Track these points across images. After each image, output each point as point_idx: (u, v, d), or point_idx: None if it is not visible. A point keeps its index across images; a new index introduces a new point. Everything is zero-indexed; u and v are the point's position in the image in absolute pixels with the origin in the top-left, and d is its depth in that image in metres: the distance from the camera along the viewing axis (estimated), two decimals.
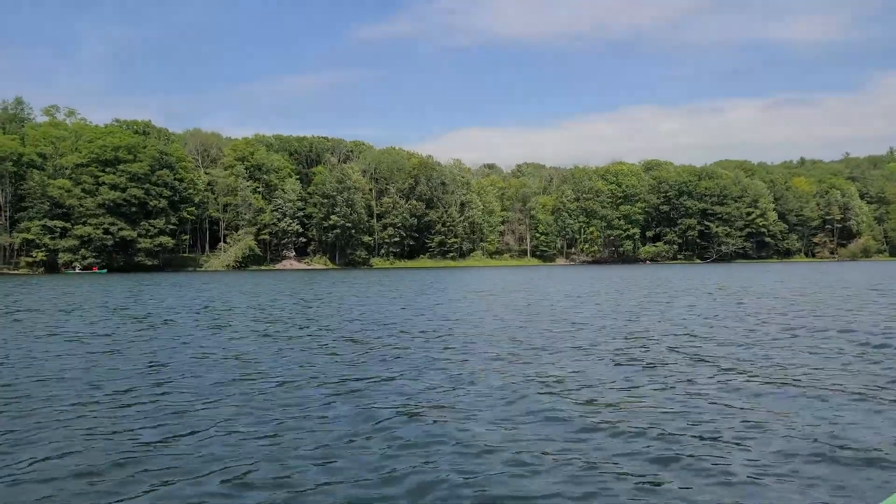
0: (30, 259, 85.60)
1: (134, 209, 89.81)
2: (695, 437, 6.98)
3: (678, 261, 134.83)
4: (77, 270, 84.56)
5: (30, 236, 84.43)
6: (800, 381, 9.71)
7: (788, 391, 9.04)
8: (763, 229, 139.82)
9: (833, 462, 6.13)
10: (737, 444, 6.72)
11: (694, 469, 6.00)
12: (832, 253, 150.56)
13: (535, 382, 9.81)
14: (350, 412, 8.13)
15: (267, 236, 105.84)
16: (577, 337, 15.02)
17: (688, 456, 6.34)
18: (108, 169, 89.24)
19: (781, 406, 8.21)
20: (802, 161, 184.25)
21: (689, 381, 9.81)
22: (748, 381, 9.77)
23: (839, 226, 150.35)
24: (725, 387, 9.37)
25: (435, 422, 7.64)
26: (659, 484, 5.66)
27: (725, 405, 8.27)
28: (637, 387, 9.47)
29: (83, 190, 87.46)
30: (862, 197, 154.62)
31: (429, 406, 8.42)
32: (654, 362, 11.49)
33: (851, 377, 9.93)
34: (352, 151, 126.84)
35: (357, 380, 10.17)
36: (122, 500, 5.43)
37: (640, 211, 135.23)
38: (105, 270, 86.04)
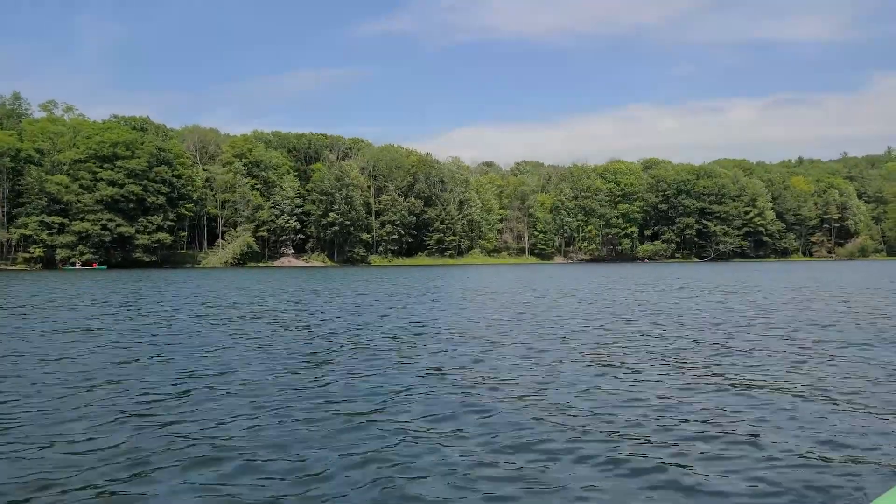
0: (27, 255, 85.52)
1: (132, 205, 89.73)
2: (673, 438, 7.04)
3: (676, 259, 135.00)
4: (77, 266, 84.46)
5: (27, 232, 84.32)
6: (778, 382, 9.79)
7: (767, 395, 9.11)
8: (761, 228, 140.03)
9: (819, 463, 6.19)
10: (718, 445, 6.77)
11: (673, 474, 6.05)
12: (830, 252, 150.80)
13: (522, 382, 9.87)
14: (345, 406, 8.22)
15: (265, 233, 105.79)
16: (564, 335, 15.09)
17: (669, 461, 6.38)
18: (105, 165, 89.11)
19: (758, 408, 8.27)
20: (801, 160, 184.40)
21: (665, 383, 9.84)
22: (730, 382, 9.84)
23: (837, 225, 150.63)
24: (708, 388, 9.44)
25: (422, 418, 7.71)
26: (631, 492, 5.64)
27: (705, 408, 8.33)
28: (619, 388, 9.51)
29: (81, 186, 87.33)
30: (860, 196, 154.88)
31: (419, 403, 8.50)
32: (638, 365, 11.56)
33: (839, 379, 10.00)
34: (350, 149, 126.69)
35: (352, 375, 10.24)
36: (138, 477, 5.49)
37: (638, 209, 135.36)
38: (105, 267, 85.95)
